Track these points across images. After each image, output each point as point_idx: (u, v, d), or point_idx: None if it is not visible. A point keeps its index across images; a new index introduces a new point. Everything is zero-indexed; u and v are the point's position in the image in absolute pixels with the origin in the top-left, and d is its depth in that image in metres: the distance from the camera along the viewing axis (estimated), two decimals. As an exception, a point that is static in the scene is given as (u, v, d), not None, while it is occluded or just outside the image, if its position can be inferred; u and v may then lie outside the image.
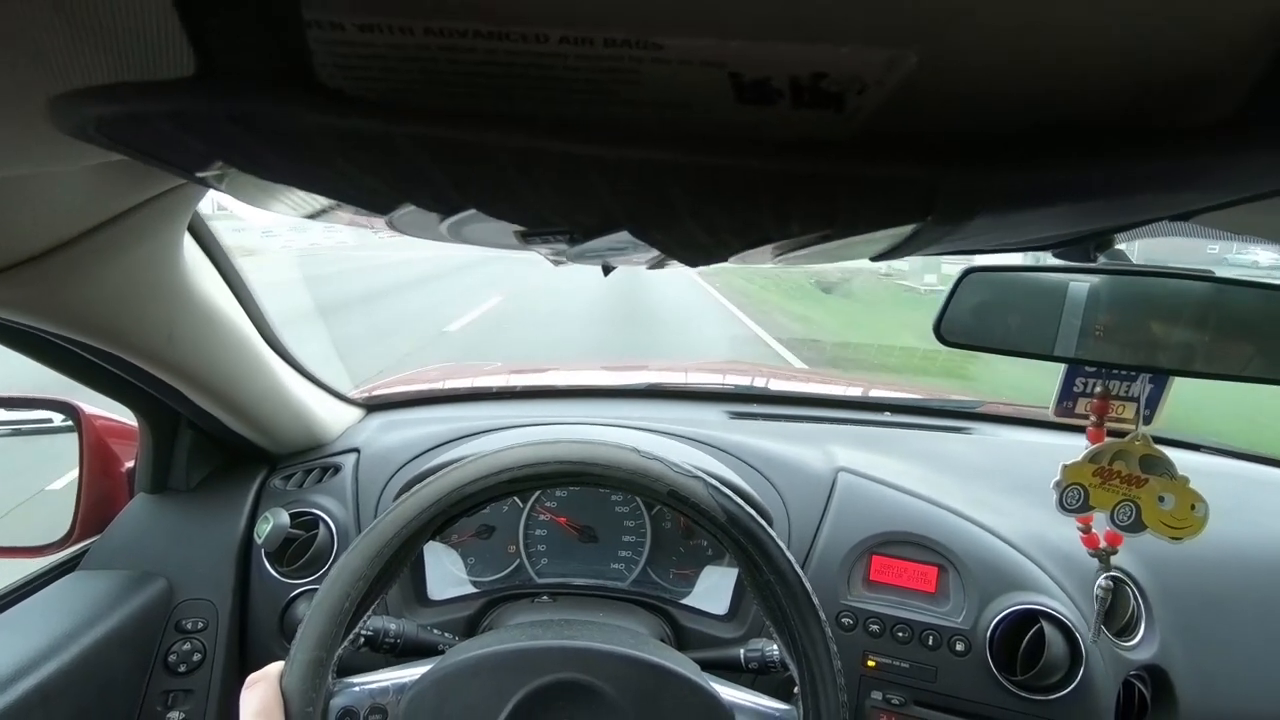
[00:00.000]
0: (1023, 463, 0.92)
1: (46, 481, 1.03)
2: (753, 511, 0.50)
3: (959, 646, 0.71)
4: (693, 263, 0.28)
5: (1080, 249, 0.46)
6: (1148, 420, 0.54)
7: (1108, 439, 0.54)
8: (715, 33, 0.16)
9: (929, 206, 0.20)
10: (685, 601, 0.83)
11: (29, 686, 0.59)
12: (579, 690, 0.49)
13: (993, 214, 0.21)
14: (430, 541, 0.61)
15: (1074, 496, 0.54)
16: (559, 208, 0.22)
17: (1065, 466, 0.55)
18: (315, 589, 0.64)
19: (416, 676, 0.52)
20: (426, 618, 0.81)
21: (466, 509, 0.51)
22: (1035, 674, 0.67)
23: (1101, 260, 0.46)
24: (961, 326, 0.50)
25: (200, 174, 0.24)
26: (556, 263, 0.35)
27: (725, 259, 0.29)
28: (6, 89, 0.20)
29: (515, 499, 0.86)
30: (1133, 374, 0.53)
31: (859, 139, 0.19)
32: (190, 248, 0.62)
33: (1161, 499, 0.52)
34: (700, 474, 0.50)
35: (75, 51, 0.18)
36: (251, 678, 0.45)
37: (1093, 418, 0.54)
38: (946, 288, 0.49)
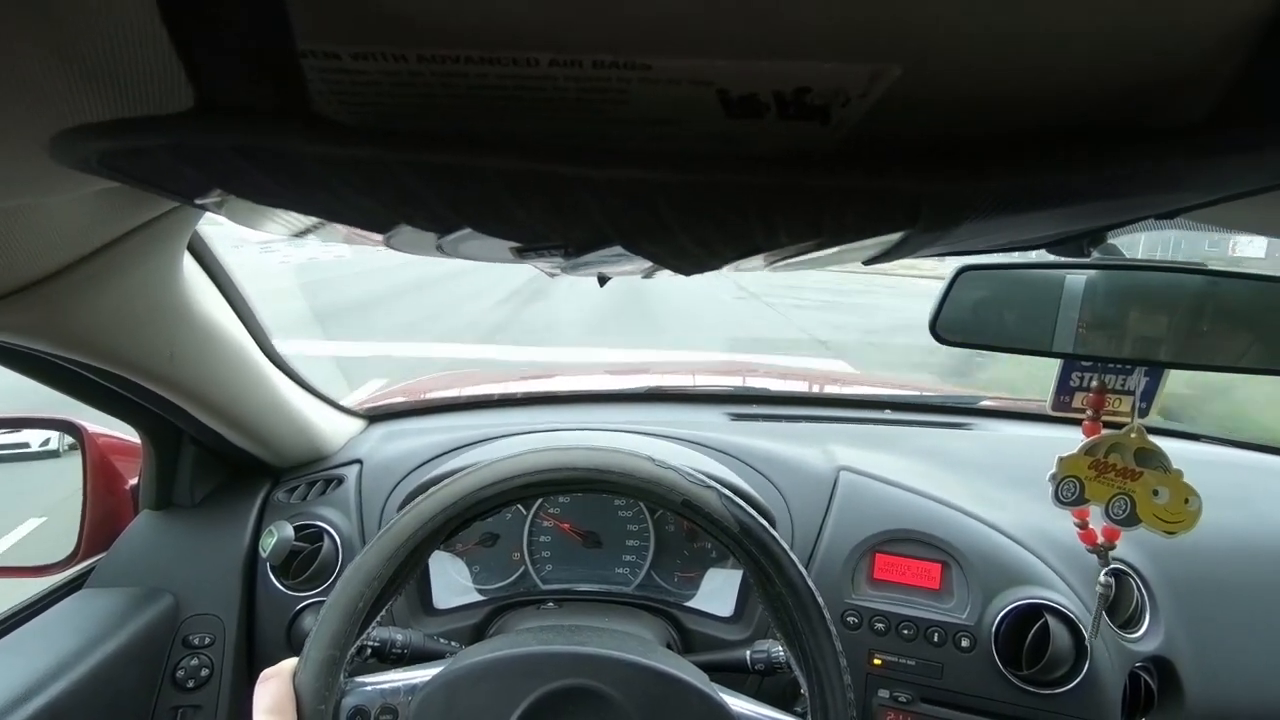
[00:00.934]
0: (1023, 457, 0.92)
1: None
2: (765, 523, 0.50)
3: (964, 642, 0.71)
4: (686, 272, 0.29)
5: (1074, 245, 0.46)
6: (1143, 413, 0.54)
7: (1104, 431, 0.54)
8: (702, 53, 0.16)
9: (915, 215, 0.21)
10: (690, 604, 0.83)
11: (38, 706, 0.59)
12: (589, 696, 0.49)
13: (979, 220, 0.22)
14: (435, 551, 0.61)
15: (1069, 489, 0.54)
16: (552, 225, 0.23)
17: (1061, 459, 0.55)
18: (321, 601, 0.64)
19: (428, 678, 0.52)
20: (433, 627, 0.81)
21: (481, 513, 0.52)
22: (1041, 668, 0.67)
23: (1096, 255, 0.46)
24: (958, 324, 0.50)
25: (199, 200, 0.24)
26: (552, 275, 0.35)
27: (718, 268, 0.29)
28: (8, 127, 0.20)
29: (519, 506, 0.86)
30: (1129, 367, 0.53)
31: (844, 150, 0.20)
32: (190, 266, 0.62)
33: (1155, 493, 0.52)
34: (714, 484, 0.51)
35: (76, 91, 0.18)
36: (265, 674, 0.45)
37: (1088, 411, 0.55)
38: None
